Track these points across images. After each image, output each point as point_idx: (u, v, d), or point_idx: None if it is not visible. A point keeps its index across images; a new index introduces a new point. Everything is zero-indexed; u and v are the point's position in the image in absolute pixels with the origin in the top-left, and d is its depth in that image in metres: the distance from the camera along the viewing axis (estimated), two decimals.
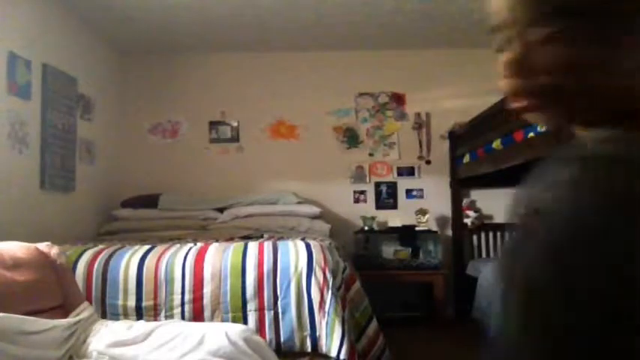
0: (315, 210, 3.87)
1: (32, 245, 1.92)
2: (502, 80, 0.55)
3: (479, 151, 3.54)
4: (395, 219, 4.11)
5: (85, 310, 1.88)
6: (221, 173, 4.28)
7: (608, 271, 0.42)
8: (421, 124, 4.34)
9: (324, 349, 2.14)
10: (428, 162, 4.33)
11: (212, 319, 2.19)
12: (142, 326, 1.80)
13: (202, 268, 2.26)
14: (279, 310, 2.19)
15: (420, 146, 4.34)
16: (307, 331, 2.17)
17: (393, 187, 4.31)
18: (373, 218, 4.07)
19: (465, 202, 4.19)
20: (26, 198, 2.98)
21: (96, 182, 3.86)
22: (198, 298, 2.21)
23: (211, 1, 3.38)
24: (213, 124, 4.37)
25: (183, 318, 2.18)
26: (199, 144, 4.34)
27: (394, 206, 4.28)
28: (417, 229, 4.00)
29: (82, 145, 3.65)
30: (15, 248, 1.83)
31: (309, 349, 2.17)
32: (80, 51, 3.69)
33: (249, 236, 3.17)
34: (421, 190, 4.30)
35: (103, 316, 2.17)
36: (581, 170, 0.47)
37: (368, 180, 4.32)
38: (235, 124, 4.37)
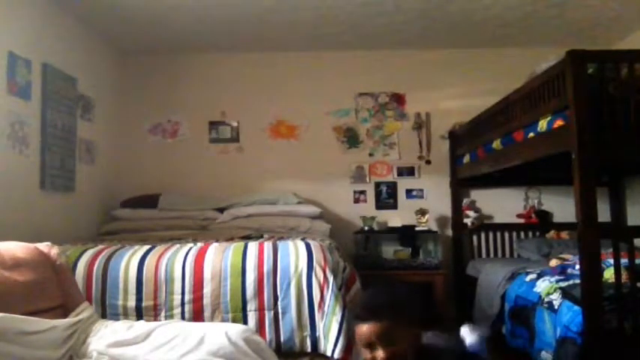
0: (315, 210, 3.86)
1: (32, 245, 1.92)
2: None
3: (479, 151, 3.54)
4: (395, 219, 4.11)
5: (85, 311, 1.88)
6: (221, 173, 4.28)
7: None
8: (421, 124, 4.34)
9: (323, 349, 2.14)
10: (428, 162, 4.33)
11: (212, 319, 2.19)
12: (142, 326, 1.80)
13: (202, 268, 2.26)
14: (279, 311, 2.19)
15: (420, 146, 4.34)
16: (307, 332, 2.17)
17: (393, 187, 4.31)
18: (373, 218, 4.07)
19: (465, 202, 4.18)
20: (26, 198, 2.98)
21: (96, 182, 3.86)
22: (198, 299, 2.21)
23: (211, 2, 3.38)
24: (213, 124, 4.37)
25: (183, 318, 2.18)
26: (199, 144, 4.34)
27: (394, 206, 4.28)
28: (416, 229, 4.00)
29: (82, 145, 3.66)
30: (15, 248, 1.83)
31: (309, 349, 2.17)
32: (80, 51, 3.69)
33: (249, 236, 3.17)
34: (421, 190, 4.30)
35: (103, 316, 2.18)
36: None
37: (368, 180, 4.32)
38: (235, 124, 4.37)
